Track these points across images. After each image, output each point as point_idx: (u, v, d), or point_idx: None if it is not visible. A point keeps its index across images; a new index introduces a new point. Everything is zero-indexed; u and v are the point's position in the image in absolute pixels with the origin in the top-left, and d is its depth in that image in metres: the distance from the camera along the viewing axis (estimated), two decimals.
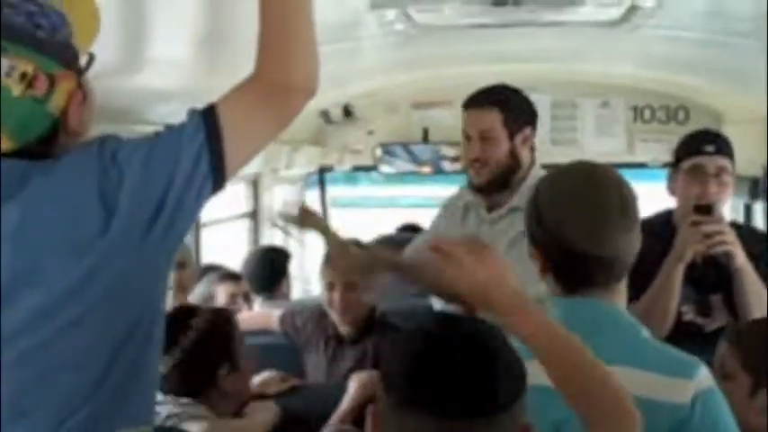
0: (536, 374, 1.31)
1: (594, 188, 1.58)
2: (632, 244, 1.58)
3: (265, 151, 4.18)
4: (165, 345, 1.65)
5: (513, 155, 2.55)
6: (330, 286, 2.91)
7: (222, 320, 2.20)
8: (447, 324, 1.20)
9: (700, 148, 2.64)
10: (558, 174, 1.67)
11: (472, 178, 2.57)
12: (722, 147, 2.65)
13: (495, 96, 2.58)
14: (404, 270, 2.60)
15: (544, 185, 1.65)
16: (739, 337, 2.00)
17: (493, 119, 2.53)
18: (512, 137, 2.54)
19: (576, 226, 1.55)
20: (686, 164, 2.66)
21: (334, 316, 2.95)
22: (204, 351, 2.11)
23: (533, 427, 1.15)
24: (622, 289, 1.64)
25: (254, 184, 4.43)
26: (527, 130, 2.58)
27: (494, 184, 2.56)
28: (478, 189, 2.59)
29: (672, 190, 2.76)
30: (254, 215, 4.51)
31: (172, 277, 2.89)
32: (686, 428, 1.47)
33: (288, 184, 5.17)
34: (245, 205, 4.49)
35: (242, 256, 4.05)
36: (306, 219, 2.65)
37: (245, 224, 4.54)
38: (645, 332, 1.61)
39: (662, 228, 2.68)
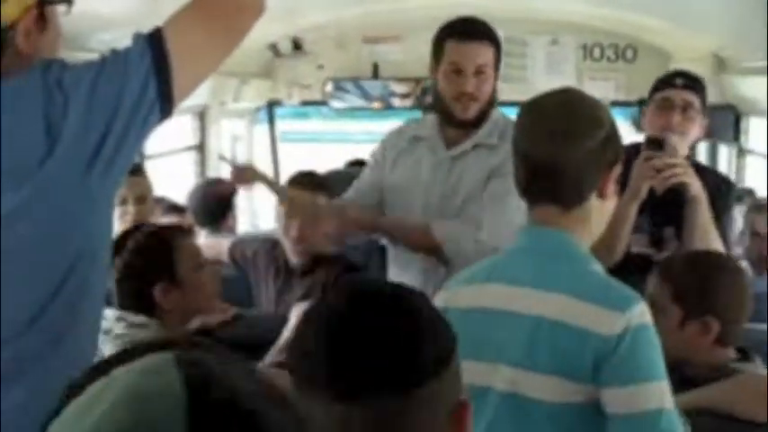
0: None
1: (560, 106, 1.62)
2: (584, 160, 1.60)
3: (212, 83, 4.18)
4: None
5: (494, 91, 2.53)
6: (292, 217, 2.90)
7: (163, 235, 2.15)
8: (355, 294, 1.01)
9: (669, 82, 2.69)
10: (535, 98, 1.71)
11: (458, 112, 2.50)
12: (692, 83, 2.69)
13: (488, 31, 2.54)
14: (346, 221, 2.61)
15: (522, 109, 1.69)
16: (670, 269, 2.05)
17: (488, 54, 2.50)
18: (496, 73, 2.52)
19: (531, 133, 1.61)
20: (655, 97, 2.70)
21: (287, 245, 2.94)
22: (138, 266, 2.08)
23: (468, 403, 1.02)
24: (582, 217, 1.66)
25: (201, 117, 4.37)
26: (499, 67, 2.57)
27: (478, 120, 2.53)
28: (460, 124, 2.54)
29: (642, 126, 2.79)
30: (200, 148, 4.45)
31: (131, 211, 2.89)
32: (610, 360, 1.50)
33: (236, 118, 5.12)
34: (191, 138, 4.43)
35: (188, 189, 4.00)
36: (252, 177, 2.63)
37: (192, 157, 4.48)
38: (595, 265, 1.64)
39: (629, 160, 2.70)
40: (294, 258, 2.95)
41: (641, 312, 1.54)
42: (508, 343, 1.58)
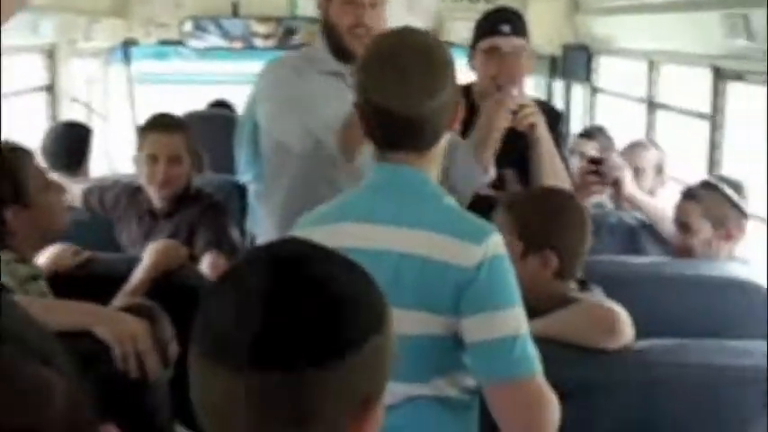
0: None
1: (399, 49, 1.62)
2: (441, 108, 1.61)
3: (61, 21, 4.00)
4: None
5: (385, 23, 2.48)
6: (152, 159, 2.82)
7: (8, 157, 2.07)
8: (266, 258, 0.94)
9: (495, 29, 2.71)
10: (373, 40, 1.72)
11: (355, 47, 2.42)
12: (517, 27, 2.72)
13: None
14: None
15: (364, 49, 1.69)
16: (513, 206, 2.11)
17: None
18: (383, 7, 2.48)
19: (378, 85, 1.60)
20: (483, 44, 2.73)
21: (152, 190, 2.88)
22: None
23: (380, 404, 0.97)
24: (435, 156, 1.68)
25: (51, 56, 4.18)
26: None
27: None
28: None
29: (472, 67, 2.83)
30: (50, 89, 4.26)
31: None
32: (469, 290, 1.54)
33: (89, 58, 4.92)
34: (41, 78, 4.23)
35: (40, 131, 3.84)
36: None
37: (43, 98, 4.29)
38: (449, 200, 1.67)
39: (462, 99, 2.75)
40: (158, 203, 2.89)
41: (496, 242, 1.58)
42: None
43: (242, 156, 3.02)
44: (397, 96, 1.59)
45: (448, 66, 1.63)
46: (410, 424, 1.62)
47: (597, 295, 2.06)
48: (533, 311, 2.04)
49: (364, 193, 1.70)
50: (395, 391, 1.61)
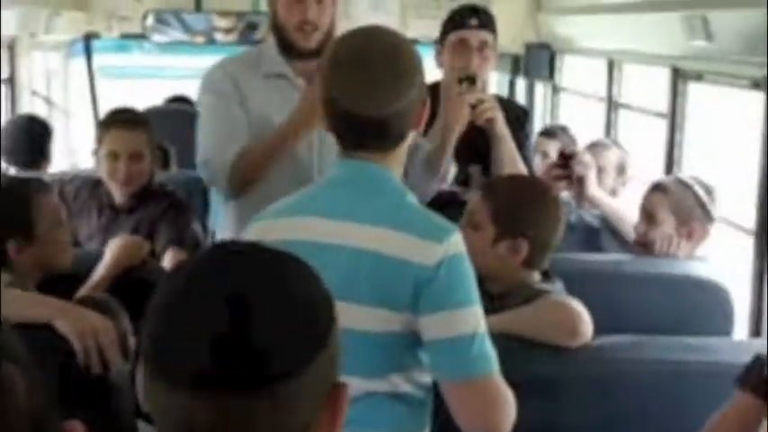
0: None
1: (367, 51, 1.62)
2: (406, 108, 1.61)
3: (21, 13, 3.95)
4: None
5: (333, 20, 2.46)
6: (113, 155, 2.80)
7: (20, 192, 2.06)
8: (215, 262, 0.89)
9: (463, 22, 2.73)
10: (341, 38, 1.70)
11: (300, 42, 2.40)
12: (485, 21, 2.75)
13: None
14: None
15: (329, 49, 1.69)
16: (492, 190, 2.12)
17: None
18: (334, 3, 2.46)
19: (345, 87, 1.60)
20: (451, 37, 2.75)
21: (113, 186, 2.85)
22: None
23: (345, 386, 0.96)
24: (399, 155, 1.69)
25: (11, 49, 4.13)
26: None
27: (320, 50, 2.39)
28: (303, 55, 2.43)
29: (439, 63, 2.84)
30: (10, 82, 4.21)
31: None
32: (429, 288, 1.55)
33: (50, 51, 4.87)
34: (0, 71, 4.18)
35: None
36: None
37: (2, 92, 4.24)
38: (411, 198, 1.67)
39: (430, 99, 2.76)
40: (120, 198, 2.87)
41: (457, 242, 1.59)
42: (328, 276, 1.59)
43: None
44: (363, 99, 1.58)
45: (416, 66, 1.64)
46: (366, 418, 1.62)
47: (558, 288, 2.08)
48: (493, 297, 2.08)
49: (325, 188, 1.71)
50: (353, 385, 1.62)
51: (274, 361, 0.82)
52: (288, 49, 2.44)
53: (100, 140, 2.86)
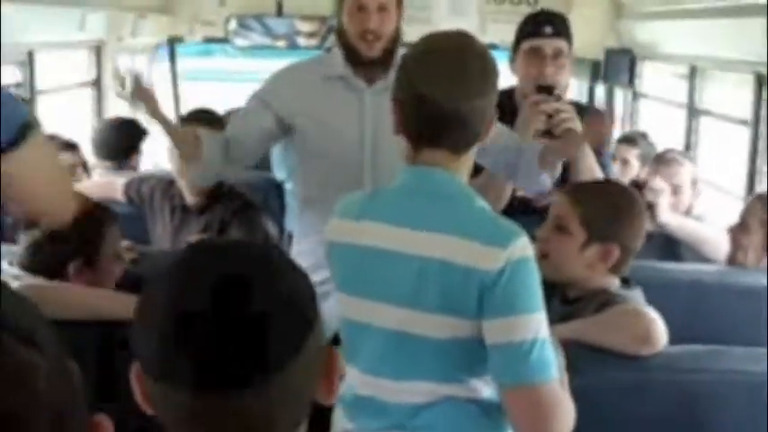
0: None
1: (459, 49, 1.63)
2: (484, 110, 1.63)
3: (108, 17, 4.06)
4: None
5: (398, 30, 2.48)
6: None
7: (90, 212, 2.09)
8: (198, 269, 0.92)
9: (537, 30, 2.70)
10: (425, 37, 1.71)
11: (363, 51, 2.43)
12: (560, 29, 2.72)
13: None
14: None
15: (415, 46, 1.69)
16: (581, 195, 2.11)
17: None
18: (399, 11, 2.48)
19: (433, 78, 1.61)
20: (525, 45, 2.73)
21: (183, 185, 2.92)
22: (62, 237, 2.02)
23: (333, 348, 0.99)
24: (467, 160, 1.69)
25: (97, 52, 4.25)
26: (402, 6, 2.51)
27: (385, 59, 2.46)
28: (369, 63, 2.47)
29: (513, 70, 2.83)
30: (97, 84, 4.34)
31: None
32: (492, 292, 1.55)
33: (135, 54, 4.99)
34: (87, 73, 4.31)
35: (85, 126, 3.93)
36: (140, 95, 2.48)
37: (89, 93, 4.37)
38: (479, 202, 1.67)
39: (504, 104, 2.74)
40: (190, 198, 2.93)
41: (523, 246, 1.58)
42: (393, 283, 1.61)
43: (273, 155, 3.05)
44: (449, 89, 1.60)
45: (494, 70, 1.65)
46: (445, 423, 1.64)
47: (636, 295, 2.07)
48: (569, 301, 2.07)
49: (391, 193, 1.71)
50: (424, 389, 1.63)
51: (269, 356, 0.87)
52: (351, 56, 2.47)
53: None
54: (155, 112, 2.27)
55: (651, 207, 2.93)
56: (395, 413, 1.65)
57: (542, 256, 2.03)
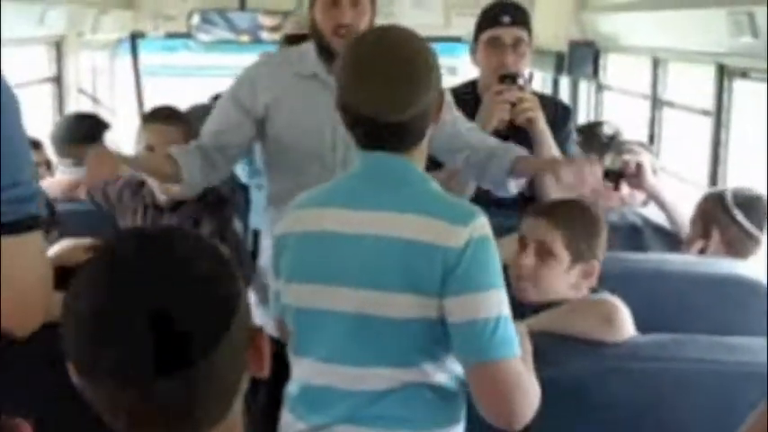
0: None
1: (384, 54, 1.62)
2: (424, 110, 1.62)
3: (68, 12, 4.01)
4: None
5: (372, 25, 2.46)
6: (150, 149, 2.82)
7: None
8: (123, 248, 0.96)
9: (497, 20, 2.72)
10: (353, 43, 1.71)
11: (337, 47, 2.38)
12: (518, 17, 2.73)
13: None
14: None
15: (344, 51, 1.69)
16: (560, 218, 2.11)
17: None
18: (372, 5, 2.46)
19: (361, 94, 1.61)
20: (485, 35, 2.74)
21: (153, 183, 2.88)
22: None
23: (261, 330, 1.03)
24: (420, 152, 1.70)
25: (58, 48, 4.19)
26: (375, 1, 2.50)
27: None
28: None
29: (475, 61, 2.84)
30: (57, 80, 4.28)
31: None
32: (456, 269, 1.56)
33: (97, 50, 4.94)
34: (47, 70, 4.25)
35: (46, 123, 3.88)
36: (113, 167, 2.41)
37: (49, 90, 4.31)
38: (434, 184, 1.69)
39: (467, 97, 2.76)
40: (161, 195, 2.90)
41: (482, 224, 1.61)
42: (353, 265, 1.62)
43: None
44: (381, 105, 1.59)
45: (431, 69, 1.63)
46: (402, 412, 1.63)
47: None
48: (540, 308, 2.08)
49: (349, 179, 1.73)
50: (385, 375, 1.63)
51: (192, 345, 0.91)
52: (325, 52, 2.45)
53: (139, 137, 2.90)
54: (117, 166, 2.29)
55: (639, 168, 2.91)
56: (350, 403, 1.65)
57: (523, 280, 2.05)
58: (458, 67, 6.19)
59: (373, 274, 1.60)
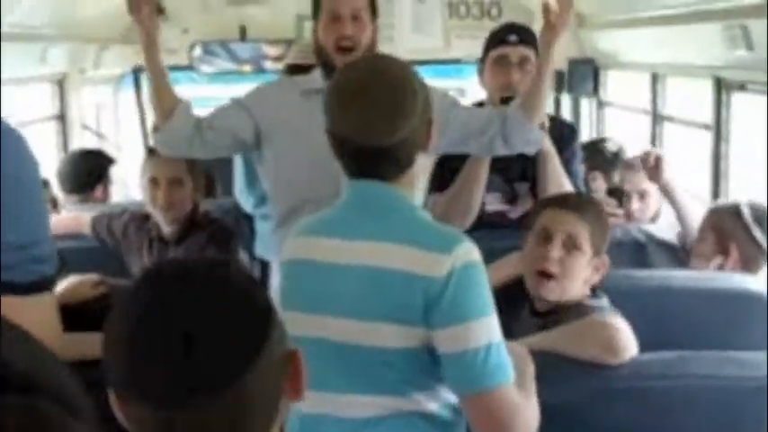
0: None
1: (369, 80, 1.64)
2: (409, 137, 1.63)
3: (70, 50, 4.04)
4: None
5: (374, 43, 2.50)
6: (154, 182, 2.85)
7: None
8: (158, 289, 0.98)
9: (504, 39, 2.74)
10: (344, 69, 1.75)
11: (339, 63, 2.39)
12: (525, 37, 2.75)
13: None
14: None
15: (333, 78, 1.70)
16: (584, 211, 2.14)
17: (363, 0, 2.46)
18: (373, 22, 2.49)
19: (347, 120, 1.63)
20: (492, 54, 2.76)
21: (157, 215, 2.89)
22: None
23: (297, 351, 1.03)
24: (408, 180, 1.70)
25: (60, 85, 4.23)
26: (376, 19, 2.53)
27: None
28: None
29: (482, 83, 2.85)
30: (61, 118, 4.31)
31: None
32: (440, 301, 1.56)
33: (100, 85, 4.97)
34: (51, 107, 4.28)
35: (51, 160, 3.90)
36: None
37: (53, 127, 4.34)
38: (420, 213, 1.69)
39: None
40: (166, 227, 2.91)
41: (466, 251, 1.59)
42: (340, 295, 1.63)
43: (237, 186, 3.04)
44: (363, 129, 1.61)
45: (416, 95, 1.64)
46: None
47: (604, 304, 2.10)
48: (539, 314, 2.10)
49: (338, 209, 1.74)
50: (375, 403, 1.63)
51: (225, 368, 0.93)
52: (329, 69, 2.47)
53: (142, 171, 2.92)
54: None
55: (658, 162, 2.89)
56: (342, 430, 1.66)
57: (548, 277, 2.05)
58: (466, 89, 6.21)
59: (357, 303, 1.61)
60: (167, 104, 2.50)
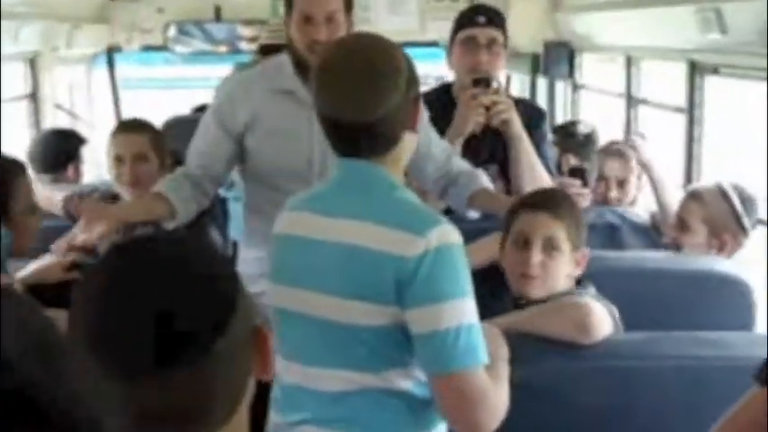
0: None
1: (349, 57, 1.64)
2: (392, 112, 1.62)
3: (42, 28, 3.99)
4: None
5: (348, 33, 2.47)
6: (118, 159, 2.82)
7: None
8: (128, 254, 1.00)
9: (471, 20, 2.74)
10: (327, 48, 1.75)
11: (311, 62, 2.27)
12: (493, 18, 2.75)
13: None
14: None
15: (320, 68, 1.69)
16: (559, 210, 2.11)
17: (339, 0, 2.40)
18: (347, 20, 2.44)
19: (329, 96, 1.62)
20: (460, 35, 2.76)
21: (124, 192, 2.87)
22: None
23: (264, 328, 1.03)
24: (396, 157, 1.69)
25: (32, 64, 4.18)
26: (351, 14, 2.47)
27: None
28: None
29: (450, 64, 2.85)
30: (33, 97, 4.26)
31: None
32: (412, 282, 1.55)
33: (73, 64, 4.92)
34: (23, 86, 4.24)
35: (23, 141, 3.87)
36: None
37: (25, 107, 4.29)
38: (402, 192, 1.68)
39: (441, 101, 2.77)
40: None
41: (442, 233, 1.58)
42: (319, 271, 1.64)
43: None
44: (345, 106, 1.60)
45: (396, 69, 1.63)
46: (362, 415, 1.64)
47: (591, 293, 2.10)
48: (528, 304, 2.10)
49: (325, 186, 1.76)
50: (347, 378, 1.63)
51: (193, 341, 0.93)
52: (300, 68, 2.44)
53: (108, 150, 2.89)
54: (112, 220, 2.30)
55: (634, 148, 2.97)
56: (315, 402, 1.67)
57: (531, 279, 2.05)
58: (435, 72, 6.21)
59: (334, 280, 1.62)
60: (160, 212, 2.44)
